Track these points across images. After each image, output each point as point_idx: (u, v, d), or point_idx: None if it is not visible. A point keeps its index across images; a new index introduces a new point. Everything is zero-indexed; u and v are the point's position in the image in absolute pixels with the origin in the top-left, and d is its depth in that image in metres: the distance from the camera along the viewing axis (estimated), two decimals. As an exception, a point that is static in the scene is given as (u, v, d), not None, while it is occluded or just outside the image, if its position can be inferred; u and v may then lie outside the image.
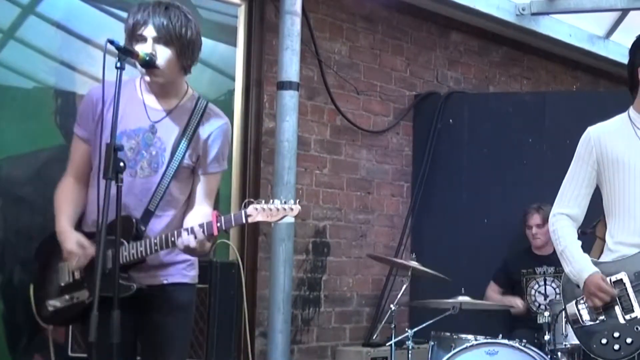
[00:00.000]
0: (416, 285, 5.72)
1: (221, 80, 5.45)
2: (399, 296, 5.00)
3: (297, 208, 2.98)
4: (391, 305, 4.93)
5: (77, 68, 4.67)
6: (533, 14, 6.61)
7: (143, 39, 3.03)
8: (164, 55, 3.04)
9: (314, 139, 5.84)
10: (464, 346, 4.70)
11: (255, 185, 5.47)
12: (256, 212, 2.96)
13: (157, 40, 3.03)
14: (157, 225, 3.11)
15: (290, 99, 5.15)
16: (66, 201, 3.17)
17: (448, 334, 4.95)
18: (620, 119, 3.51)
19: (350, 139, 6.09)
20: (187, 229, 3.00)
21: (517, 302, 5.52)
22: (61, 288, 3.17)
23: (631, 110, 3.49)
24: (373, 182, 6.26)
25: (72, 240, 3.07)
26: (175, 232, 3.01)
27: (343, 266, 6.04)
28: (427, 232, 6.38)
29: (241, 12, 5.51)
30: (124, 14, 4.77)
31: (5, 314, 4.32)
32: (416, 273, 5.09)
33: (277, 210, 2.96)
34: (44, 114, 4.54)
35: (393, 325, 4.90)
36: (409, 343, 4.89)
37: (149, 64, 3.00)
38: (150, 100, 3.16)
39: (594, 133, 3.50)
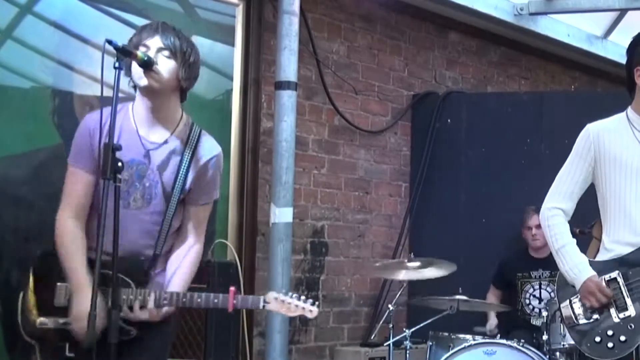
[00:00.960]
0: (414, 285, 5.72)
1: (219, 80, 5.44)
2: (397, 296, 5.00)
3: (315, 311, 3.01)
4: (389, 305, 4.93)
5: (75, 68, 4.66)
6: (531, 14, 6.61)
7: (146, 48, 3.03)
8: (164, 64, 3.03)
9: (312, 139, 5.84)
10: (462, 346, 4.71)
11: (253, 185, 5.47)
12: (275, 303, 3.00)
13: (160, 50, 3.03)
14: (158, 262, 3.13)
15: (288, 99, 5.14)
16: (77, 249, 3.03)
17: (446, 333, 4.95)
18: (618, 119, 3.51)
19: (348, 139, 6.08)
20: (200, 296, 3.00)
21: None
22: (54, 309, 3.08)
23: (629, 110, 3.49)
24: (371, 182, 6.26)
25: (84, 305, 2.86)
26: (188, 295, 3.01)
27: (341, 266, 6.04)
28: (425, 232, 6.38)
29: (239, 12, 5.50)
30: (122, 14, 4.84)
31: (2, 315, 4.30)
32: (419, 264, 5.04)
33: (296, 307, 3.01)
34: (42, 114, 4.53)
35: (391, 325, 4.91)
36: (407, 343, 4.90)
37: (147, 65, 2.97)
38: (144, 131, 3.10)
39: (593, 130, 3.50)
